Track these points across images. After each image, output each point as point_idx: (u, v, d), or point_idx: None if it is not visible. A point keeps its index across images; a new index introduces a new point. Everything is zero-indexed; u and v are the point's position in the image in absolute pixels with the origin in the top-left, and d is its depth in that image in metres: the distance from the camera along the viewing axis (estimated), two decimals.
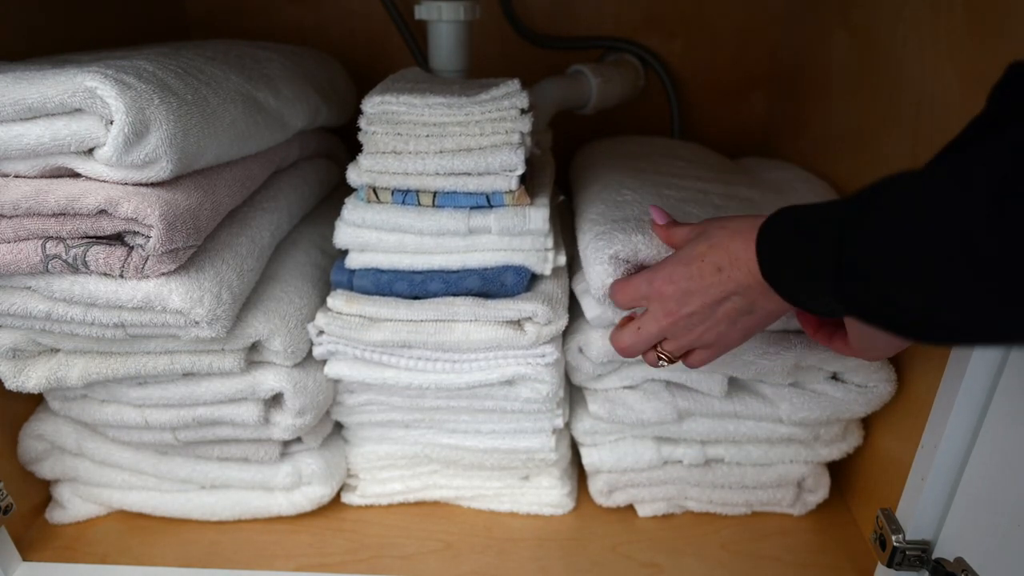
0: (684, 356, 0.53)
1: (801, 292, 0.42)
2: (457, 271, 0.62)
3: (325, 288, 0.68)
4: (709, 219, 0.51)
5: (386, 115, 0.58)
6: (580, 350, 0.64)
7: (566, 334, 0.65)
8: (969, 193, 0.30)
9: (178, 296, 0.51)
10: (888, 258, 0.34)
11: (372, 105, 0.58)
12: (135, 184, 0.50)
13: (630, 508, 0.72)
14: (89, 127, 0.47)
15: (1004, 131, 0.29)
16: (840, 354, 0.54)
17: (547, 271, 0.63)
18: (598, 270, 0.58)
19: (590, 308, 0.61)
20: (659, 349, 0.53)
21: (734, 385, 0.66)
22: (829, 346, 0.53)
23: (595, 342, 0.62)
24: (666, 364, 0.54)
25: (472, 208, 0.60)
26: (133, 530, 0.69)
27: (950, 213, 0.30)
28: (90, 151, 0.49)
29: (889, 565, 0.57)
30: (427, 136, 0.58)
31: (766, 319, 0.49)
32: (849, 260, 0.36)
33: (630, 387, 0.66)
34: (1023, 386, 0.47)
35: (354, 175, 0.60)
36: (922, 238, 0.32)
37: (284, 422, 0.63)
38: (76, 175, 0.50)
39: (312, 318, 0.63)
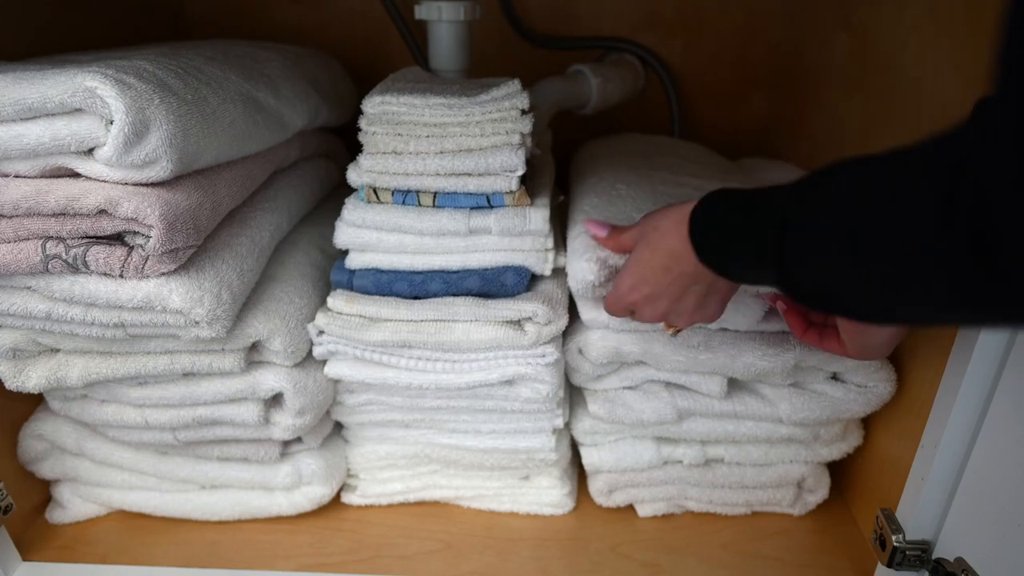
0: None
1: (745, 276, 0.45)
2: (457, 271, 0.62)
3: (325, 288, 0.68)
4: (645, 217, 0.53)
5: (386, 115, 0.58)
6: (580, 351, 0.64)
7: (566, 335, 0.65)
8: (915, 185, 0.31)
9: (178, 296, 0.51)
10: (833, 247, 0.35)
11: (372, 105, 0.58)
12: (135, 184, 0.49)
13: (630, 508, 0.72)
14: (89, 127, 0.47)
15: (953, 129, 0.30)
16: (835, 355, 0.54)
17: (547, 271, 0.63)
18: (582, 267, 0.58)
19: (586, 309, 0.61)
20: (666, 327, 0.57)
21: (734, 385, 0.66)
22: (820, 347, 0.54)
23: (594, 343, 0.62)
24: (674, 334, 0.59)
25: (472, 208, 0.60)
26: (133, 530, 0.69)
27: (896, 204, 0.31)
28: (90, 151, 0.49)
29: (889, 565, 0.57)
30: (427, 136, 0.58)
31: (732, 288, 0.51)
32: (791, 249, 0.37)
33: (630, 387, 0.66)
34: (1023, 386, 0.47)
35: (354, 175, 0.60)
36: (867, 228, 0.33)
37: (284, 422, 0.63)
38: (76, 175, 0.50)
39: (312, 318, 0.63)
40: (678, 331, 0.58)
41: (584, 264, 0.58)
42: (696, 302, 0.50)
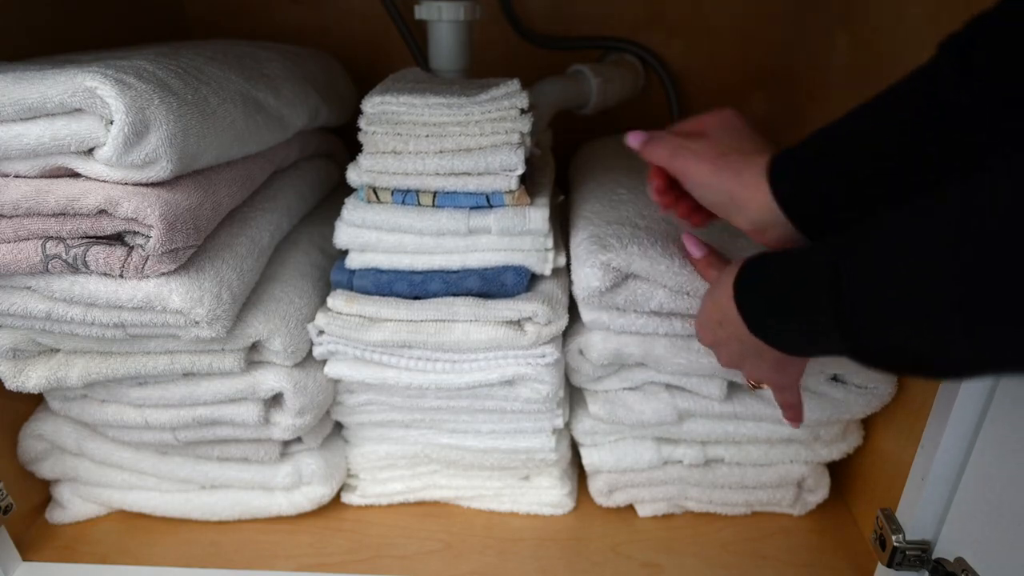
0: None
1: (796, 345, 0.41)
2: (457, 271, 0.62)
3: (325, 288, 0.68)
4: (729, 264, 0.49)
5: (386, 115, 0.58)
6: (580, 352, 0.64)
7: (566, 335, 0.65)
8: (980, 229, 0.29)
9: (178, 296, 0.51)
10: (895, 300, 0.32)
11: (372, 105, 0.58)
12: (135, 184, 0.49)
13: (630, 508, 0.72)
14: (89, 127, 0.47)
15: (1008, 158, 0.29)
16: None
17: (547, 271, 0.63)
18: (588, 272, 0.58)
19: (587, 311, 0.61)
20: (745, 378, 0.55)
21: (734, 387, 0.66)
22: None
23: (596, 344, 0.62)
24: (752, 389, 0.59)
25: (472, 208, 0.60)
26: (133, 530, 0.69)
27: (960, 248, 0.29)
28: (90, 151, 0.49)
29: (889, 565, 0.57)
30: (427, 136, 0.58)
31: (782, 358, 0.46)
32: (850, 307, 0.34)
33: (630, 388, 0.66)
34: (1023, 387, 0.47)
35: (354, 175, 0.60)
36: (933, 276, 0.30)
37: (284, 422, 0.63)
38: (76, 175, 0.50)
39: (312, 318, 0.63)
40: (757, 387, 0.57)
41: (589, 271, 0.58)
42: (755, 356, 0.47)
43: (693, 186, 0.48)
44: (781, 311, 0.40)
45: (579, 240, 0.62)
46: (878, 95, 0.41)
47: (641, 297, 0.59)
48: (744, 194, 0.45)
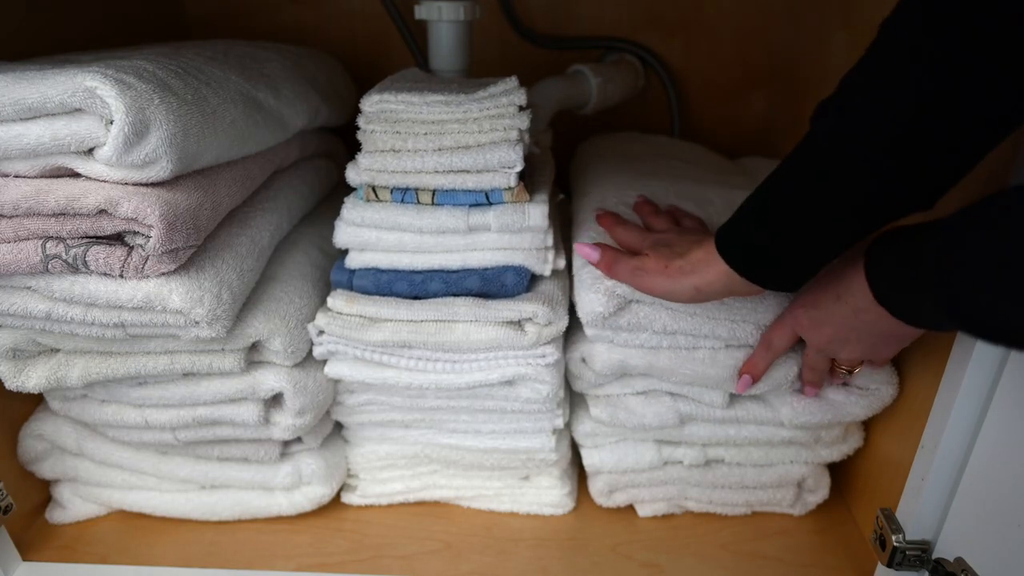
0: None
1: (912, 315, 0.46)
2: (457, 271, 0.62)
3: (325, 288, 0.68)
4: (796, 308, 0.57)
5: (385, 113, 0.58)
6: (583, 360, 0.63)
7: (568, 342, 0.65)
8: None
9: (178, 296, 0.51)
10: (990, 275, 0.36)
11: (371, 104, 0.58)
12: (135, 184, 0.49)
13: (630, 508, 0.72)
14: (89, 127, 0.47)
15: None
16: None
17: (547, 271, 0.63)
18: (591, 298, 0.58)
19: (590, 331, 0.61)
20: (835, 365, 0.60)
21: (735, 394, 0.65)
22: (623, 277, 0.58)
23: (599, 355, 0.62)
24: (845, 375, 0.60)
25: (471, 206, 0.60)
26: (133, 530, 0.69)
27: None
28: (90, 151, 0.49)
29: (889, 565, 0.57)
30: (426, 134, 0.58)
31: (895, 330, 0.51)
32: (946, 278, 0.39)
33: (632, 392, 0.66)
34: (1023, 386, 0.47)
35: (353, 174, 0.60)
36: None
37: (284, 422, 0.63)
38: (76, 175, 0.50)
39: (312, 318, 0.63)
40: (847, 371, 0.59)
41: (593, 296, 0.58)
42: (865, 341, 0.53)
43: (657, 295, 0.56)
44: (902, 285, 0.45)
45: (582, 263, 0.62)
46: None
47: (644, 320, 0.59)
48: (705, 279, 0.52)
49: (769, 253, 0.48)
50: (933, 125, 0.38)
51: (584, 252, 0.59)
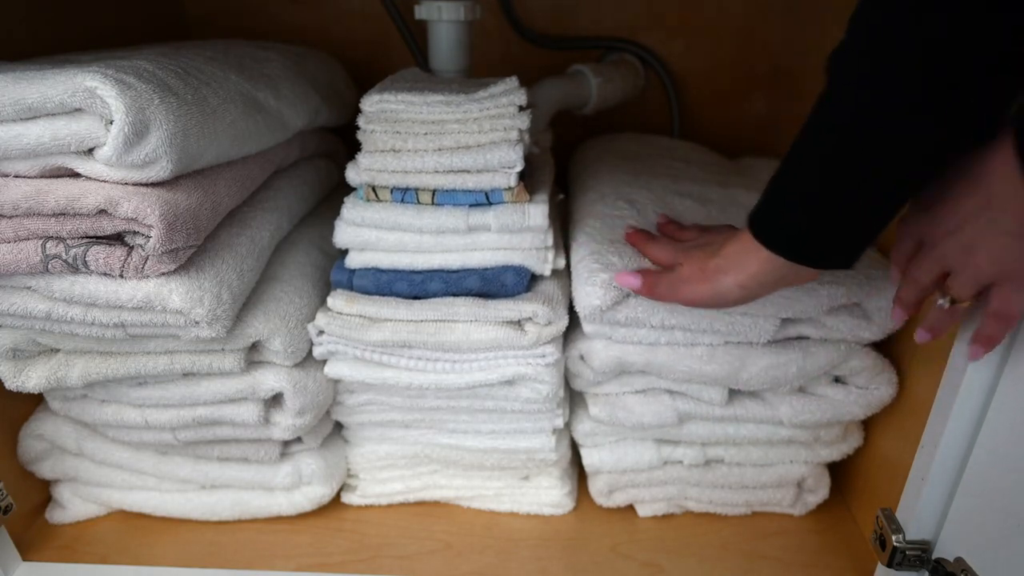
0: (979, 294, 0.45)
1: None
2: (457, 271, 0.62)
3: (325, 288, 0.68)
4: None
5: (385, 113, 0.58)
6: (581, 358, 0.64)
7: (567, 340, 0.65)
8: None
9: (178, 296, 0.51)
10: None
11: (371, 104, 0.58)
12: (135, 184, 0.49)
13: (630, 508, 0.72)
14: (89, 127, 0.47)
15: None
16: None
17: (547, 271, 0.63)
18: (589, 291, 0.58)
19: (588, 325, 0.61)
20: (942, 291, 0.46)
21: (734, 391, 0.65)
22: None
23: (597, 352, 0.62)
24: (946, 304, 0.46)
25: (471, 206, 0.60)
26: (133, 530, 0.69)
27: None
28: (90, 151, 0.49)
29: (889, 565, 0.57)
30: (426, 134, 0.58)
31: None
32: None
33: (631, 391, 0.66)
34: (1023, 386, 0.47)
35: (353, 174, 0.60)
36: None
37: (284, 422, 0.63)
38: (76, 175, 0.50)
39: (312, 318, 0.63)
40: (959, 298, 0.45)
41: (590, 289, 0.58)
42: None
43: (702, 305, 0.52)
44: None
45: (580, 257, 0.62)
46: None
47: (643, 314, 0.59)
48: (747, 272, 0.48)
49: (819, 226, 0.43)
50: (978, 30, 0.34)
51: (627, 282, 0.56)
